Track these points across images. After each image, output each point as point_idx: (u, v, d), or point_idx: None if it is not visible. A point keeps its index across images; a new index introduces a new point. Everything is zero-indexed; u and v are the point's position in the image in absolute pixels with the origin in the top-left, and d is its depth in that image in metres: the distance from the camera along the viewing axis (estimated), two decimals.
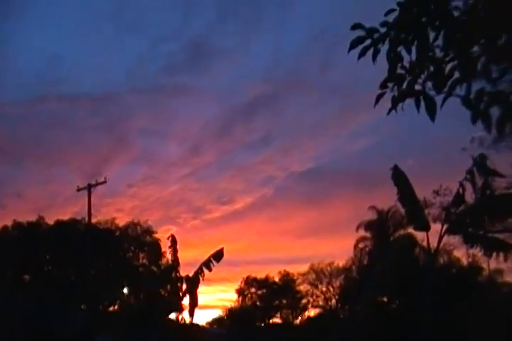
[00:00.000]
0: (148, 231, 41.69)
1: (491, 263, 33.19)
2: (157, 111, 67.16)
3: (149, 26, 69.60)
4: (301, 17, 62.30)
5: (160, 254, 40.12)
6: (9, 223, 40.77)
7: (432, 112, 4.61)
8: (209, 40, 67.91)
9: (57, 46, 69.34)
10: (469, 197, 20.35)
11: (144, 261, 41.62)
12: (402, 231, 34.61)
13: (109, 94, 60.35)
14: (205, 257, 25.41)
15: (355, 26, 4.40)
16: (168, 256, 31.41)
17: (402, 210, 24.97)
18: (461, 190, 19.75)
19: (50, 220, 41.12)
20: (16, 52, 67.58)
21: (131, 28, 66.89)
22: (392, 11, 4.57)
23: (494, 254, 20.09)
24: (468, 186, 19.66)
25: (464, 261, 33.39)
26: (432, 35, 4.22)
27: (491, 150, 19.85)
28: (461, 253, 31.86)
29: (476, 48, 4.13)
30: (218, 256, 24.99)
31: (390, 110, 4.75)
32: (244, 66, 67.48)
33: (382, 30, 4.38)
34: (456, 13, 4.38)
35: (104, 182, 39.16)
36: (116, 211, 55.26)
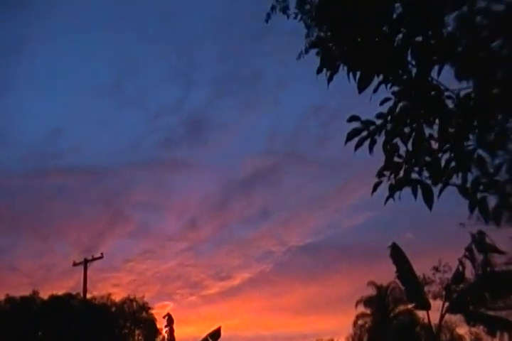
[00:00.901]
0: (145, 308, 41.02)
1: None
2: (155, 184, 67.35)
3: (148, 100, 70.92)
4: (298, 91, 63.58)
5: (156, 331, 39.33)
6: (2, 297, 40.15)
7: (429, 201, 4.64)
8: (207, 114, 69.06)
9: (57, 119, 70.45)
10: (469, 273, 20.20)
11: (140, 338, 40.73)
12: (402, 307, 34.03)
13: (107, 168, 60.73)
14: (202, 335, 24.87)
15: (352, 118, 4.50)
16: (165, 334, 30.82)
17: (402, 286, 24.67)
18: (460, 268, 19.58)
19: (45, 294, 40.52)
20: (16, 125, 68.67)
21: (131, 102, 68.16)
22: (388, 100, 4.69)
23: (498, 333, 19.66)
24: (468, 263, 19.52)
25: (467, 339, 32.65)
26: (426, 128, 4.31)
27: (490, 226, 19.81)
28: (464, 331, 31.20)
29: (471, 141, 4.20)
30: (215, 335, 24.43)
31: (387, 198, 4.78)
32: (243, 140, 68.30)
33: (378, 121, 4.49)
34: (449, 103, 4.50)
35: (101, 257, 38.82)
36: (112, 286, 54.38)
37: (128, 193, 62.82)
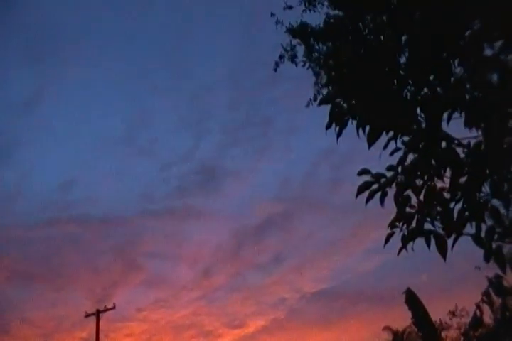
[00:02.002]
0: None
1: None
2: (167, 233, 67.01)
3: (160, 150, 71.32)
4: (309, 137, 63.77)
5: None
6: None
7: (443, 252, 4.57)
8: (219, 162, 69.20)
9: (70, 170, 70.72)
10: (488, 318, 19.80)
11: None
12: None
13: (119, 217, 60.59)
14: None
15: (362, 172, 4.48)
16: None
17: (418, 332, 24.17)
18: (478, 313, 19.17)
19: None
20: (30, 177, 69.06)
21: (143, 152, 68.56)
22: (398, 150, 4.67)
23: None
24: (486, 307, 19.09)
25: None
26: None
27: (507, 268, 19.50)
28: None
29: (483, 191, 4.17)
30: None
31: (400, 250, 4.71)
32: (255, 186, 68.20)
33: (388, 174, 4.47)
34: (460, 151, 4.47)
35: (113, 308, 38.36)
36: (125, 336, 53.55)
37: (140, 242, 62.57)
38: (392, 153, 4.69)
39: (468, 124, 4.45)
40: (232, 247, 67.65)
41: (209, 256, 68.38)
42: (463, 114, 4.45)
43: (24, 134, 64.41)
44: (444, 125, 4.49)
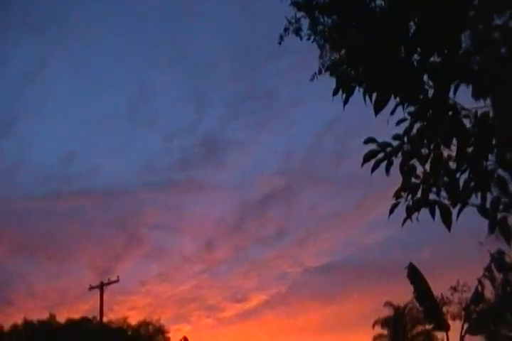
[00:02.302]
0: (161, 331, 40.80)
1: None
2: (170, 206, 67.39)
3: (163, 122, 71.39)
4: (313, 109, 63.71)
5: None
6: (19, 321, 40.13)
7: (447, 222, 4.56)
8: (222, 135, 69.39)
9: (71, 142, 71.06)
10: (489, 293, 19.92)
11: None
12: (420, 328, 33.62)
13: (122, 190, 60.90)
14: None
15: (368, 140, 4.47)
16: None
17: (420, 307, 24.38)
18: (479, 288, 19.31)
19: (62, 318, 40.46)
20: (31, 148, 69.34)
21: (145, 124, 68.68)
22: (404, 120, 4.64)
23: None
24: (488, 283, 19.24)
25: None
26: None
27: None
28: None
29: (490, 161, 4.15)
30: None
31: (404, 220, 4.72)
32: (257, 159, 68.37)
33: (394, 143, 4.45)
34: (466, 122, 4.45)
35: (117, 280, 38.80)
36: (128, 309, 54.09)
37: (143, 215, 62.93)
38: (398, 123, 4.67)
39: (475, 96, 4.42)
40: (235, 220, 67.91)
41: (211, 229, 68.71)
42: (470, 86, 4.43)
43: (25, 107, 64.52)
44: (451, 95, 4.46)
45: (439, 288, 23.36)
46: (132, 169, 72.59)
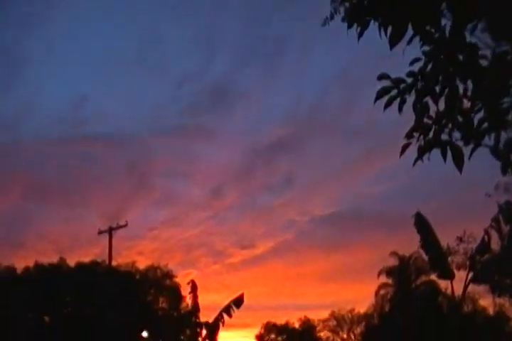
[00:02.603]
0: (169, 275, 41.45)
1: None
2: (179, 152, 67.55)
3: (172, 68, 70.66)
4: (323, 58, 62.90)
5: (180, 299, 39.79)
6: (31, 264, 40.87)
7: (459, 163, 4.51)
8: (232, 82, 68.69)
9: (80, 88, 70.81)
10: (495, 244, 20.05)
11: (164, 305, 41.27)
12: (424, 278, 34.02)
13: (131, 135, 60.94)
14: (225, 302, 25.08)
15: (381, 76, 4.38)
16: (188, 301, 31.13)
17: (425, 256, 24.62)
18: (486, 238, 19.42)
19: (71, 261, 41.17)
20: (41, 92, 69.12)
21: (154, 70, 68.02)
22: (418, 60, 4.54)
23: None
24: (494, 233, 19.36)
25: (491, 311, 32.59)
26: (460, 85, 4.17)
27: None
28: (488, 303, 31.07)
29: (506, 99, 4.07)
30: (238, 302, 24.65)
31: (415, 160, 4.67)
32: (267, 108, 68.00)
33: (409, 80, 4.36)
34: (483, 62, 4.35)
35: (125, 225, 39.31)
36: (136, 254, 55.01)
37: (152, 161, 63.16)
38: (412, 63, 4.57)
39: (494, 35, 4.30)
40: (243, 168, 68.16)
41: (220, 176, 69.07)
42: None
43: (34, 51, 63.84)
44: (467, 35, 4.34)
45: (445, 239, 23.55)
46: (141, 115, 72.22)
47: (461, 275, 21.06)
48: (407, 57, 4.53)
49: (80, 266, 40.56)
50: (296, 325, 59.80)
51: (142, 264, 42.54)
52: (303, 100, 67.94)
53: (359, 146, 65.98)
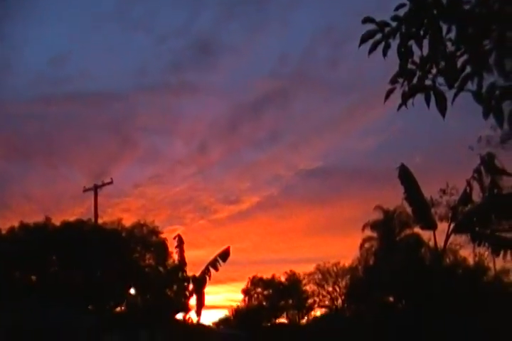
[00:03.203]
0: (155, 232, 41.69)
1: (497, 263, 33.21)
2: (163, 109, 67.22)
3: (155, 24, 69.55)
4: (309, 13, 62.19)
5: (166, 255, 40.13)
6: (16, 224, 40.86)
7: (442, 108, 4.57)
8: (216, 37, 68.03)
9: (63, 45, 69.60)
10: (476, 196, 20.32)
11: (151, 261, 41.64)
12: (408, 231, 34.55)
13: (115, 92, 60.41)
14: (212, 257, 25.35)
15: (366, 20, 4.37)
16: (175, 256, 31.41)
17: (409, 210, 24.91)
18: (468, 189, 19.68)
19: (57, 221, 41.22)
20: (20, 51, 67.91)
21: (137, 26, 66.97)
22: (403, 6, 4.54)
23: (501, 253, 19.95)
24: (476, 185, 19.61)
25: (471, 261, 33.33)
26: (443, 28, 4.18)
27: (499, 149, 19.82)
28: (468, 253, 31.75)
29: (488, 42, 4.10)
30: (224, 255, 24.92)
31: (400, 106, 4.73)
32: (252, 62, 67.50)
33: (394, 24, 4.37)
34: (467, 7, 4.36)
35: (111, 182, 39.26)
36: (122, 211, 55.25)
37: (136, 118, 62.87)
38: (397, 8, 4.57)
39: None
40: (228, 123, 68.04)
41: (205, 132, 68.97)
42: None
43: (13, 7, 62.42)
44: None
45: (428, 192, 23.82)
46: (124, 72, 71.53)
47: (443, 227, 21.40)
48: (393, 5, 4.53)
49: (66, 224, 40.63)
50: (282, 279, 60.78)
51: (128, 221, 42.75)
52: (289, 55, 67.50)
53: (345, 101, 66.11)
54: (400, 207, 33.51)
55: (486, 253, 23.99)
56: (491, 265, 34.19)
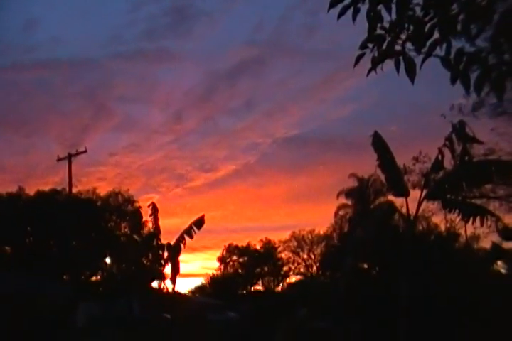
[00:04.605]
0: (130, 201, 41.62)
1: (467, 229, 33.85)
2: (138, 77, 66.60)
3: None
4: None
5: (141, 223, 40.16)
6: None
7: (411, 73, 4.62)
8: (191, 3, 67.03)
9: (33, 10, 68.08)
10: (448, 163, 20.54)
11: (126, 230, 41.65)
12: (382, 199, 34.92)
13: (88, 60, 59.59)
14: (187, 225, 25.44)
15: None
16: (150, 224, 31.47)
17: (383, 178, 25.11)
18: (440, 157, 19.88)
19: (31, 191, 40.90)
20: None
21: None
22: None
23: (471, 220, 20.31)
24: (447, 153, 19.79)
25: (442, 227, 33.90)
26: None
27: (470, 117, 19.99)
28: (440, 220, 32.29)
29: (455, 6, 4.13)
30: (199, 223, 25.01)
31: (369, 71, 4.77)
32: (227, 30, 66.88)
33: None
34: None
35: (85, 151, 39.01)
36: (97, 180, 55.14)
37: (111, 86, 62.09)
38: None
39: None
40: (204, 91, 67.62)
41: (180, 100, 68.56)
42: None
43: None
44: None
45: (402, 160, 24.07)
46: (98, 38, 70.44)
47: (416, 195, 21.67)
48: None
49: (40, 194, 40.34)
50: (258, 247, 61.30)
51: (103, 190, 42.61)
52: (265, 22, 66.93)
53: (321, 69, 65.90)
54: (374, 174, 33.85)
55: (458, 219, 24.42)
56: (461, 231, 34.87)
